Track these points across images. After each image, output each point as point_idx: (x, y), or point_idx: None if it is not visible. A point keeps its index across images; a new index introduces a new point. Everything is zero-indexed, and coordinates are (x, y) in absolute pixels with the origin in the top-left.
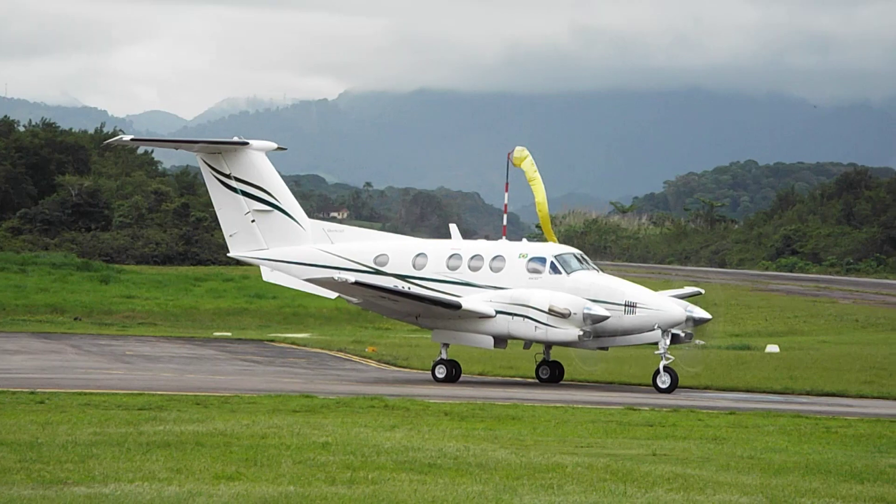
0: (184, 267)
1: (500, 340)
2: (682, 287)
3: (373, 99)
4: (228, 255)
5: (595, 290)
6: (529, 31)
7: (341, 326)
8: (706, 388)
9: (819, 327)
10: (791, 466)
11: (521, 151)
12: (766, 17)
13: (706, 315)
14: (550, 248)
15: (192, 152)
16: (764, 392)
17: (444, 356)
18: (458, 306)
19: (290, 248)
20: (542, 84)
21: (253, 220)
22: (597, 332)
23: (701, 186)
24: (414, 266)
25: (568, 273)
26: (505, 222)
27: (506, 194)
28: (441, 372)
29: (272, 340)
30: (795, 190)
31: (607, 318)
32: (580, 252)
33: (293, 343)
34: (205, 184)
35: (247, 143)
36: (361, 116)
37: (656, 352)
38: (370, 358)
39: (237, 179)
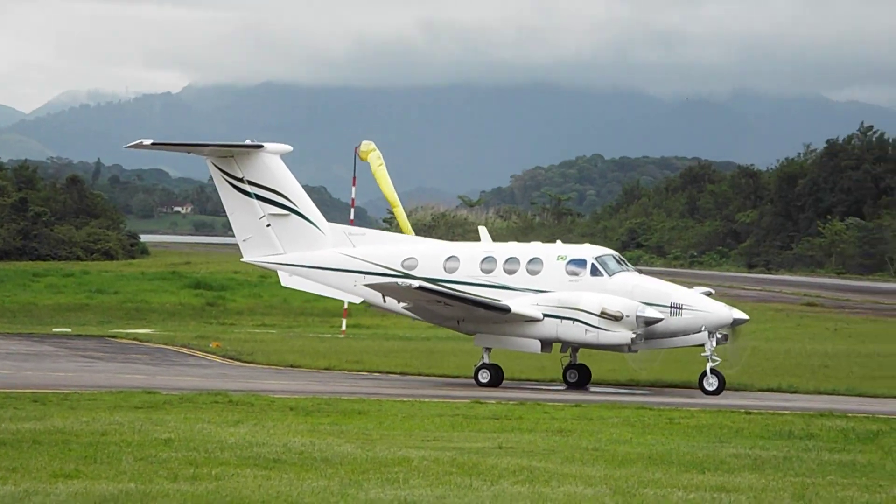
0: (22, 262)
1: (547, 344)
2: (691, 287)
3: (217, 92)
4: (242, 260)
5: (639, 292)
6: (375, 25)
7: (185, 322)
8: (552, 381)
9: None
10: (635, 457)
11: (367, 145)
12: (611, 12)
13: (745, 316)
14: (589, 250)
15: (201, 156)
16: (609, 384)
17: (486, 360)
18: (507, 310)
19: (309, 252)
20: (389, 78)
21: (268, 225)
22: (646, 335)
23: (547, 180)
24: (445, 269)
25: (610, 275)
26: (352, 216)
27: (353, 188)
28: (485, 377)
29: (114, 336)
30: (640, 184)
31: (661, 320)
32: (617, 253)
33: (136, 339)
34: (216, 188)
35: (261, 147)
36: (206, 110)
37: (703, 354)
38: (214, 353)
39: (251, 183)
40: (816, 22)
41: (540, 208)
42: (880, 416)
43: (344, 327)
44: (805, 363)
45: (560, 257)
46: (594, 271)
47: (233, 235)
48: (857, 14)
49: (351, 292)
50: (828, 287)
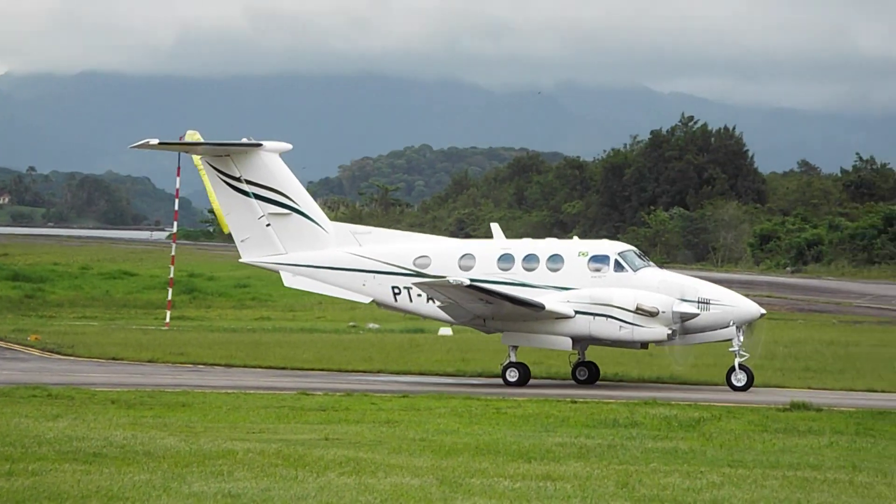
0: None
1: (578, 342)
2: None
3: (37, 81)
4: (240, 261)
5: (666, 287)
6: (202, 15)
7: (2, 315)
8: (379, 371)
9: None
10: (461, 448)
11: (192, 136)
12: (442, 2)
13: (762, 311)
14: (611, 246)
15: (194, 155)
16: (437, 375)
17: (513, 359)
18: (542, 307)
19: (313, 252)
20: (216, 68)
21: (268, 224)
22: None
23: (376, 171)
24: (460, 267)
25: (634, 270)
26: (177, 207)
27: (177, 179)
28: (513, 375)
29: None
30: (469, 174)
31: (697, 315)
32: (637, 249)
33: None
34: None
35: (260, 145)
36: (24, 98)
37: (730, 349)
38: (33, 347)
39: (249, 182)
40: (642, 14)
41: (368, 199)
42: (702, 403)
43: (168, 319)
44: (631, 352)
45: (581, 253)
46: (618, 267)
47: (52, 226)
48: (681, 6)
49: (360, 292)
50: None
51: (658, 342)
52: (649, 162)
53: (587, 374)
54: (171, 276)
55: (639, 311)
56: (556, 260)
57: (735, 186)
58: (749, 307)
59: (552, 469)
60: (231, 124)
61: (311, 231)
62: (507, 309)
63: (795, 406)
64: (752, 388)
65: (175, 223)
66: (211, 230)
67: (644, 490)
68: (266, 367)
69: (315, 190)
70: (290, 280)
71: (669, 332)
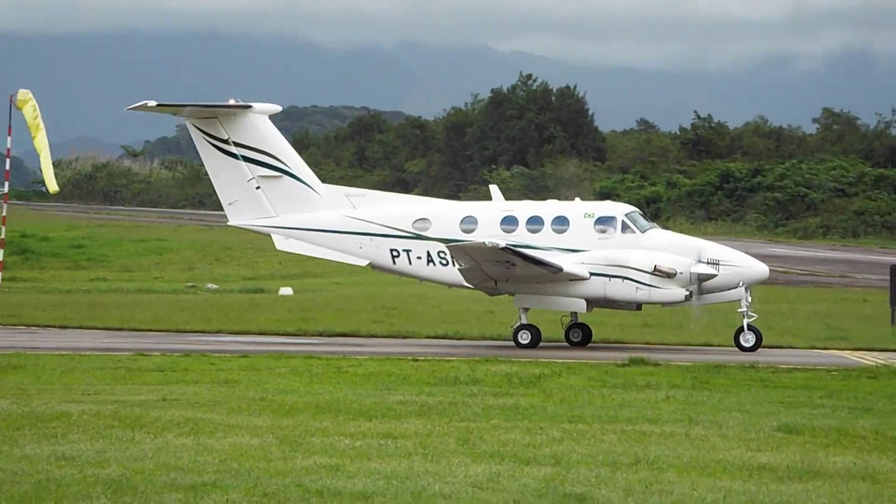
0: None
1: (593, 303)
2: None
3: None
4: (229, 224)
5: (674, 248)
6: None
7: None
8: (218, 331)
9: (333, 269)
10: (302, 407)
11: (24, 94)
12: None
13: (768, 271)
14: (617, 207)
15: (180, 116)
16: (277, 334)
17: (524, 321)
18: (559, 269)
19: (306, 215)
20: (45, 24)
21: (258, 187)
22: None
23: None
24: (462, 231)
25: (643, 231)
26: (8, 167)
27: (9, 138)
28: (525, 337)
29: None
30: (310, 134)
31: (714, 276)
32: (639, 209)
33: None
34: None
35: (249, 107)
36: None
37: (739, 309)
38: None
39: (238, 145)
40: None
41: None
42: (542, 360)
43: None
44: (472, 309)
45: (587, 215)
46: (625, 228)
47: None
48: None
49: (356, 255)
50: None
51: (675, 304)
52: (490, 121)
53: (581, 335)
54: (3, 236)
55: (656, 272)
56: (561, 221)
57: (575, 145)
58: (758, 267)
59: (393, 427)
60: (62, 81)
61: (303, 193)
62: (527, 271)
63: (633, 361)
64: (760, 350)
65: (6, 183)
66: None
67: (485, 446)
68: (102, 328)
69: (152, 149)
70: (282, 243)
71: (687, 293)
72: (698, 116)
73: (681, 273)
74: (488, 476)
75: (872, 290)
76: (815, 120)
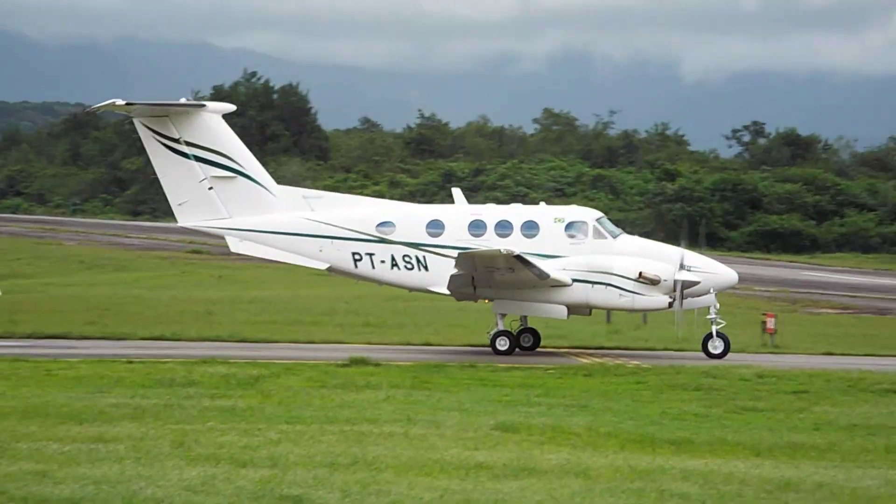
0: None
1: (575, 310)
2: None
3: None
4: (179, 224)
5: (647, 254)
6: None
7: None
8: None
9: (44, 269)
10: (8, 411)
11: None
12: None
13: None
14: (586, 212)
15: (128, 115)
16: None
17: (501, 327)
18: (547, 275)
19: (261, 216)
20: None
21: (210, 188)
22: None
23: None
24: (428, 234)
25: (614, 237)
26: None
27: None
28: (503, 343)
29: None
30: (21, 130)
31: (697, 283)
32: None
33: None
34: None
35: (203, 106)
36: None
37: (708, 316)
38: None
39: (189, 144)
40: None
41: None
42: (261, 360)
43: None
44: (189, 310)
45: (558, 220)
46: (596, 234)
47: None
48: None
49: (315, 258)
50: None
51: (658, 311)
52: None
53: (531, 341)
54: None
55: (641, 279)
56: (531, 226)
57: (298, 143)
58: (729, 274)
59: (105, 430)
60: None
61: (258, 195)
62: (517, 278)
63: (354, 361)
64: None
65: None
66: None
67: (200, 449)
68: None
69: None
70: (236, 245)
71: (670, 300)
72: (422, 116)
73: (665, 280)
74: (203, 479)
75: None
76: (535, 120)
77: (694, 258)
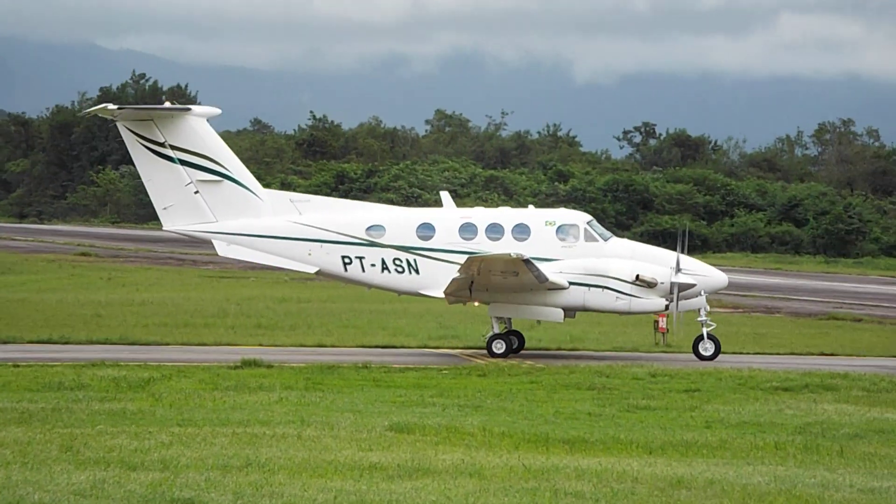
0: None
1: (571, 312)
2: None
3: None
4: (165, 229)
5: (639, 257)
6: None
7: None
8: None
9: None
10: None
11: None
12: None
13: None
14: (577, 215)
15: (110, 118)
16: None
17: (497, 330)
18: (546, 279)
19: (248, 220)
20: None
21: (196, 192)
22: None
23: None
24: (419, 237)
25: (605, 240)
26: None
27: None
28: (500, 347)
29: None
30: None
31: (693, 286)
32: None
33: None
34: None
35: (188, 109)
36: None
37: (698, 318)
38: None
39: (175, 148)
40: None
41: None
42: (152, 363)
43: None
44: (78, 313)
45: (549, 223)
46: (588, 237)
47: None
48: None
49: (304, 262)
50: (103, 236)
51: (654, 313)
52: (99, 120)
53: (516, 342)
54: None
55: (638, 282)
56: (522, 230)
57: None
58: (720, 277)
59: None
60: None
61: (245, 198)
62: (518, 281)
63: (247, 363)
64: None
65: None
66: None
67: (90, 453)
68: None
69: None
70: (223, 249)
71: (667, 303)
72: (314, 117)
73: (661, 283)
74: (92, 483)
75: None
76: (427, 121)
77: (688, 261)
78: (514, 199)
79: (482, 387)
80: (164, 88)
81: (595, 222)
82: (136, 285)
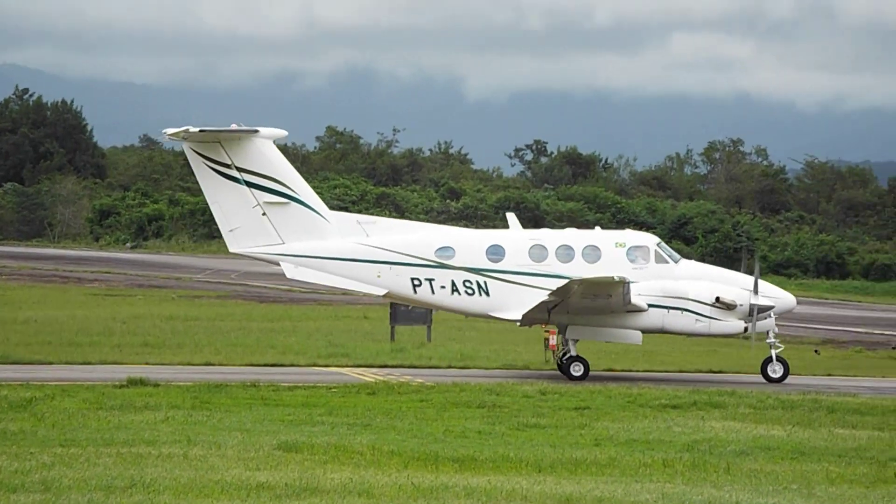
0: None
1: (648, 334)
2: None
3: None
4: (231, 251)
5: (711, 278)
6: None
7: None
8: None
9: None
10: None
11: None
12: None
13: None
14: (646, 237)
15: (177, 140)
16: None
17: (573, 352)
18: (629, 301)
19: (316, 242)
20: None
21: (264, 214)
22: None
23: None
24: (489, 259)
25: (675, 262)
26: None
27: None
28: (578, 369)
29: None
30: None
31: (772, 308)
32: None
33: None
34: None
35: (256, 132)
36: None
37: (767, 340)
38: None
39: (242, 170)
40: None
41: None
42: (34, 382)
43: None
44: None
45: (619, 244)
46: (658, 258)
47: None
48: None
49: (373, 284)
50: None
51: (733, 336)
52: None
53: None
54: None
55: (718, 304)
56: (592, 251)
57: (73, 161)
58: (790, 299)
59: None
60: None
61: (312, 220)
62: (603, 304)
63: (132, 382)
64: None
65: None
66: None
67: None
68: None
69: None
70: (292, 271)
71: (746, 325)
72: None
73: (740, 305)
74: None
75: (374, 307)
76: (318, 138)
77: (763, 284)
78: (405, 216)
79: (371, 405)
80: (49, 104)
81: (664, 244)
82: (20, 303)
